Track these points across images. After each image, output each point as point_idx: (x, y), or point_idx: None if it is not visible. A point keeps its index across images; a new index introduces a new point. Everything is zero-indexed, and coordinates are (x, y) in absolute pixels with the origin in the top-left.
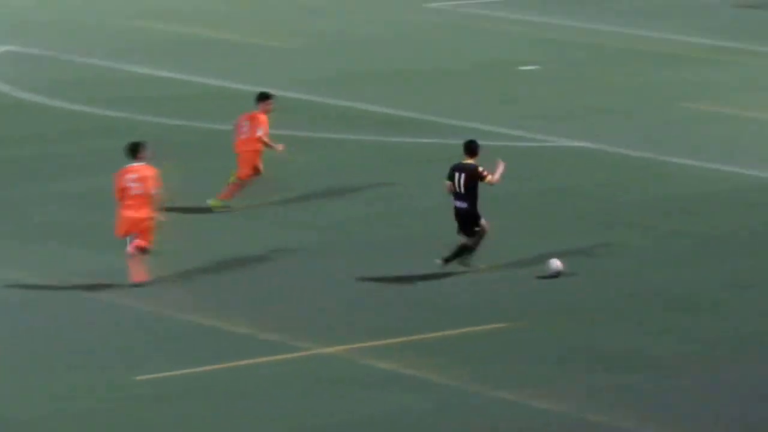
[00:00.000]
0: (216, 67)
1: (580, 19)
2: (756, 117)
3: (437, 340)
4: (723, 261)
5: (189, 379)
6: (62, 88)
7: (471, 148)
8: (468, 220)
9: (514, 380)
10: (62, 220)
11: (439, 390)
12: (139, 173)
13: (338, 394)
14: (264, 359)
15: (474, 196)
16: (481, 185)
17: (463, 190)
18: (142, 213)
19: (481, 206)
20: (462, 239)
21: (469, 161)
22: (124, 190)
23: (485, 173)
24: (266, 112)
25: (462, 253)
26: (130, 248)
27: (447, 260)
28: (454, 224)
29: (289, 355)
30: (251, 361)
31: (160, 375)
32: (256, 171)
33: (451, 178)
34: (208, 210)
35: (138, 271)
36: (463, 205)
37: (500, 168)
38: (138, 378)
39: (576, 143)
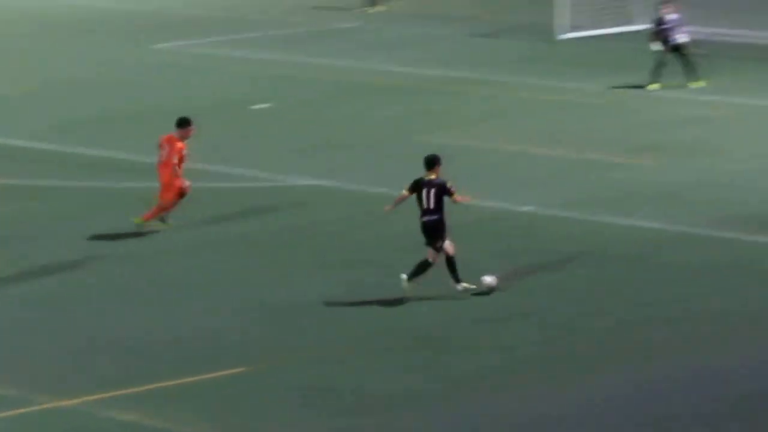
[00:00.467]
0: None
1: (311, 54)
2: (495, 148)
3: (177, 388)
4: (462, 295)
5: None
6: None
7: (432, 162)
8: (438, 232)
9: (257, 428)
10: None
11: None
12: None
13: None
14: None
15: (442, 210)
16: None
17: (433, 205)
18: None
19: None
20: (430, 254)
21: (434, 176)
22: None
23: (454, 189)
24: (183, 138)
25: (424, 269)
26: None
27: (410, 278)
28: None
29: (24, 410)
30: None
31: None
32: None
33: (414, 190)
34: None
35: None
36: (432, 218)
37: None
38: None
39: (311, 181)
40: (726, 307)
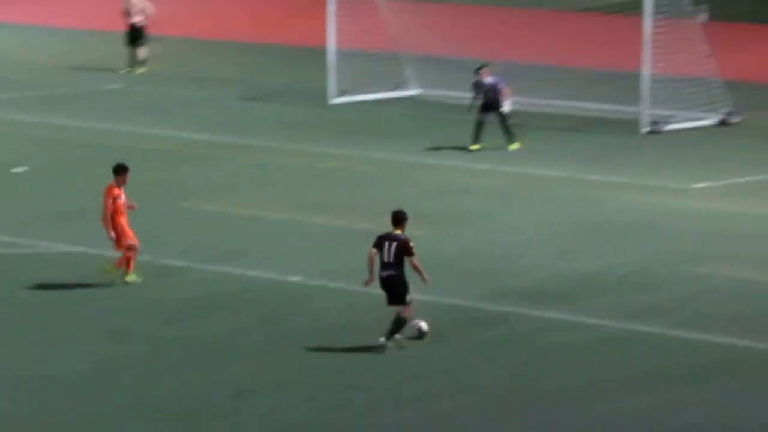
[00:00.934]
0: None
1: (73, 116)
2: (263, 215)
3: None
4: (223, 367)
5: None
6: None
7: (398, 219)
8: (398, 288)
9: None
10: None
11: None
12: None
13: None
14: None
15: (402, 265)
16: None
17: (392, 259)
18: None
19: None
20: (395, 310)
21: (399, 232)
22: None
23: (414, 251)
24: (120, 184)
25: (401, 325)
26: None
27: (389, 337)
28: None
29: None
30: None
31: None
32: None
33: (378, 246)
34: None
35: None
36: (391, 272)
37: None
38: None
39: (70, 248)
40: (498, 382)
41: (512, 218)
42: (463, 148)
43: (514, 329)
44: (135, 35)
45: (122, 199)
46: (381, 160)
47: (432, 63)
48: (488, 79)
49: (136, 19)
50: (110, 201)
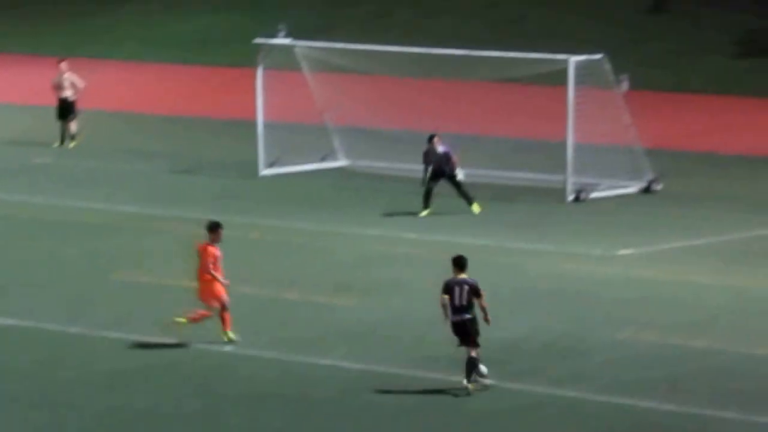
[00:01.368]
0: None
1: (4, 190)
2: (189, 286)
3: None
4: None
5: None
6: None
7: (462, 264)
8: (471, 330)
9: None
10: None
11: None
12: None
13: None
14: None
15: (473, 307)
16: None
17: (465, 302)
18: None
19: None
20: (469, 351)
21: (464, 276)
22: None
23: (483, 292)
24: (215, 241)
25: (474, 365)
26: None
27: (469, 380)
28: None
29: None
30: None
31: None
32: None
33: (448, 292)
34: None
35: None
36: (467, 316)
37: None
38: None
39: (4, 321)
40: None
41: (438, 286)
42: (390, 215)
43: (441, 395)
44: (66, 109)
45: (220, 256)
46: (309, 230)
47: (359, 134)
48: (440, 148)
49: (67, 94)
50: (211, 260)
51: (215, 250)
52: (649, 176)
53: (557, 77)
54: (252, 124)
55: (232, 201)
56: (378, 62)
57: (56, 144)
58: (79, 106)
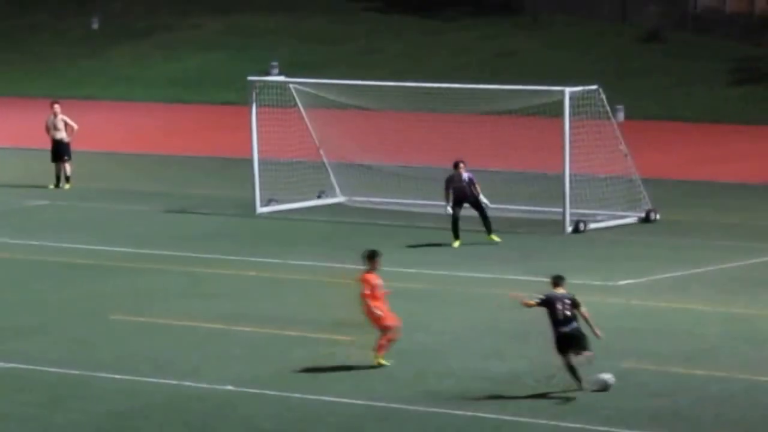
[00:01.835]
0: None
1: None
2: (194, 326)
3: None
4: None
5: None
6: None
7: (560, 280)
8: (581, 338)
9: None
10: None
11: None
12: None
13: None
14: None
15: (577, 318)
16: None
17: (570, 313)
18: None
19: None
20: (571, 359)
21: (563, 291)
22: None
23: (582, 303)
24: (373, 269)
25: (575, 369)
26: None
27: (579, 381)
28: None
29: None
30: None
31: None
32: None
33: (548, 305)
34: None
35: None
36: (575, 324)
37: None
38: None
39: (3, 364)
40: None
41: (439, 320)
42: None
43: (442, 429)
44: (61, 151)
45: (379, 283)
46: (307, 267)
47: (354, 170)
48: (465, 174)
49: (62, 135)
50: (368, 288)
51: (373, 278)
52: (648, 206)
53: (552, 109)
54: (247, 162)
55: (229, 239)
56: (371, 97)
57: (51, 186)
58: (72, 148)
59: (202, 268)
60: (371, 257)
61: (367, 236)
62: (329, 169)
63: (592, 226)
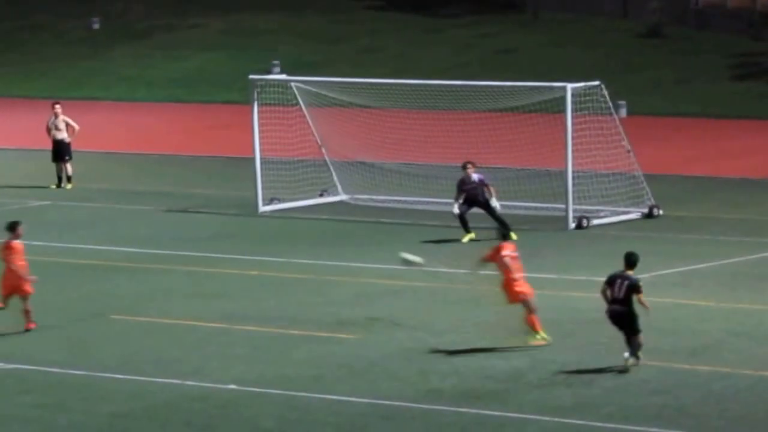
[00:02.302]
0: None
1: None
2: (195, 325)
3: None
4: None
5: None
6: None
7: (632, 261)
8: (626, 320)
9: None
10: None
11: None
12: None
13: None
14: None
15: (630, 301)
16: None
17: (622, 295)
18: None
19: None
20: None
21: (630, 273)
22: None
23: (642, 291)
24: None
25: (639, 346)
26: None
27: (633, 354)
28: None
29: None
30: None
31: None
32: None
33: (610, 284)
34: None
35: None
36: (619, 307)
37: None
38: None
39: (6, 365)
40: None
41: (442, 318)
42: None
43: (446, 427)
44: (62, 151)
45: (511, 255)
46: (310, 266)
47: (356, 168)
48: (474, 176)
49: (63, 135)
50: (507, 259)
51: (508, 248)
52: (651, 202)
53: (555, 105)
54: (249, 161)
55: (231, 239)
56: (373, 96)
57: (53, 186)
58: (73, 148)
59: (204, 267)
60: (507, 236)
61: (369, 234)
62: (331, 168)
63: (595, 222)
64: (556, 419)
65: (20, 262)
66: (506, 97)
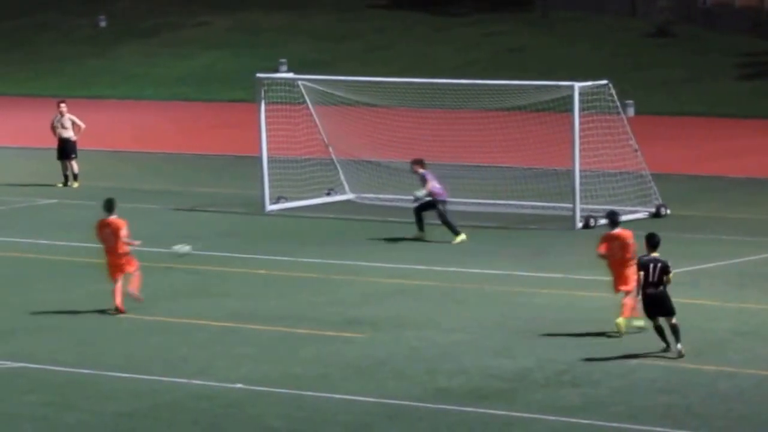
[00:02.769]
0: None
1: (9, 233)
2: (203, 324)
3: None
4: None
5: None
6: None
7: (655, 242)
8: (664, 302)
9: None
10: None
11: None
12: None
13: None
14: None
15: (664, 284)
16: None
17: (656, 278)
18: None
19: None
20: (668, 320)
21: (657, 254)
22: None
23: (671, 272)
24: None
25: (678, 330)
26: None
27: (667, 346)
28: None
29: None
30: None
31: None
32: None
33: (643, 268)
34: None
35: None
36: (657, 290)
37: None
38: None
39: (14, 364)
40: None
41: (449, 318)
42: (397, 247)
43: (453, 427)
44: (67, 149)
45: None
46: (317, 264)
47: (363, 167)
48: (420, 174)
49: (69, 134)
50: (631, 248)
51: (627, 235)
52: (658, 201)
53: (562, 104)
54: (255, 160)
55: (238, 237)
56: (380, 94)
57: (60, 184)
58: (79, 147)
59: (211, 266)
60: (617, 222)
61: (376, 233)
62: (338, 167)
63: (603, 221)
64: (563, 419)
65: (120, 242)
66: (514, 95)
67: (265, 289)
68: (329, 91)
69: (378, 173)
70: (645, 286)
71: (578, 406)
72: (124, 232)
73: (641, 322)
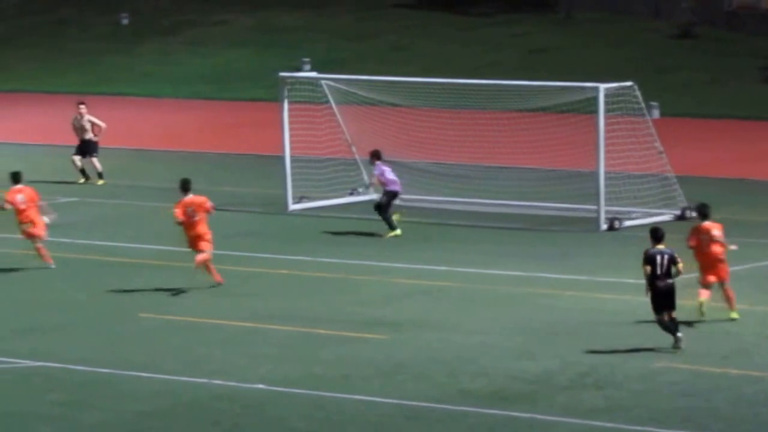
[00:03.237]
0: None
1: None
2: (223, 324)
3: None
4: None
5: None
6: None
7: (660, 236)
8: (672, 295)
9: None
10: None
11: None
12: None
13: None
14: None
15: (671, 274)
16: None
17: (665, 270)
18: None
19: None
20: (669, 314)
21: (662, 247)
22: None
23: (680, 261)
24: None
25: (669, 327)
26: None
27: (678, 341)
28: None
29: None
30: None
31: None
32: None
33: (650, 262)
34: None
35: None
36: (667, 282)
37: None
38: None
39: (33, 362)
40: None
41: (471, 319)
42: (420, 248)
43: (474, 428)
44: (88, 149)
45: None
46: (339, 265)
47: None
48: (377, 170)
49: (89, 135)
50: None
51: (715, 228)
52: (683, 203)
53: (587, 106)
54: (278, 159)
55: (260, 237)
56: (403, 94)
57: (81, 181)
58: (101, 145)
59: (232, 265)
60: (706, 214)
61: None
62: (361, 167)
63: (627, 223)
64: (586, 421)
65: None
66: (537, 97)
67: (287, 289)
68: (352, 90)
69: (401, 173)
70: (654, 278)
71: (601, 409)
72: (209, 204)
73: (735, 314)
